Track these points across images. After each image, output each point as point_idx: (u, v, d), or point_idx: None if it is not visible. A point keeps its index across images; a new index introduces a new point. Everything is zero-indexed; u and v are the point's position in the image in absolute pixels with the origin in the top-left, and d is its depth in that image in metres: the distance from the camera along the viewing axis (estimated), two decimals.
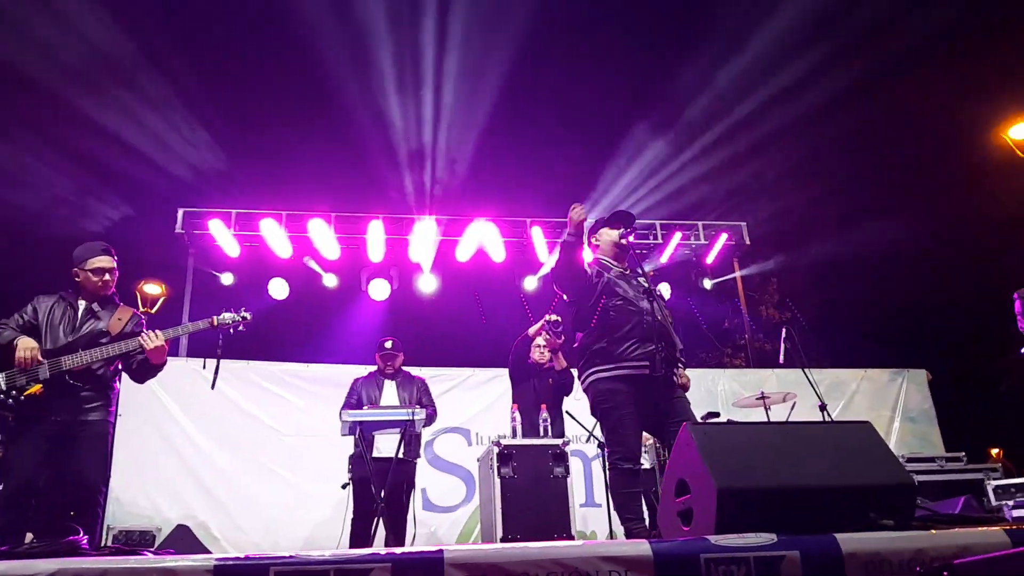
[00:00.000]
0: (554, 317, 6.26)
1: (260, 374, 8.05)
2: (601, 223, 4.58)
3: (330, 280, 9.57)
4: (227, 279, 9.25)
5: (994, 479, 7.22)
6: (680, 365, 4.20)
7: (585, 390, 4.23)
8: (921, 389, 9.61)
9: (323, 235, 9.23)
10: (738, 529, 2.38)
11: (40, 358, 3.84)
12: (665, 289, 10.44)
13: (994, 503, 6.92)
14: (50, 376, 3.85)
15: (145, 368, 4.14)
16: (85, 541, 2.24)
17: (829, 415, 6.83)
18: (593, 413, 4.21)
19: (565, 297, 4.41)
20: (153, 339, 4.01)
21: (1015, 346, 4.89)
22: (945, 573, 1.55)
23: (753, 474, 2.54)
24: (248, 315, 4.34)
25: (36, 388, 3.80)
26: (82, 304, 4.18)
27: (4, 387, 3.76)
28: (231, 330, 4.30)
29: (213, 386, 4.41)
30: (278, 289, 9.22)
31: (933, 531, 2.44)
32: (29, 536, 3.81)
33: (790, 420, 7.03)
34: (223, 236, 9.09)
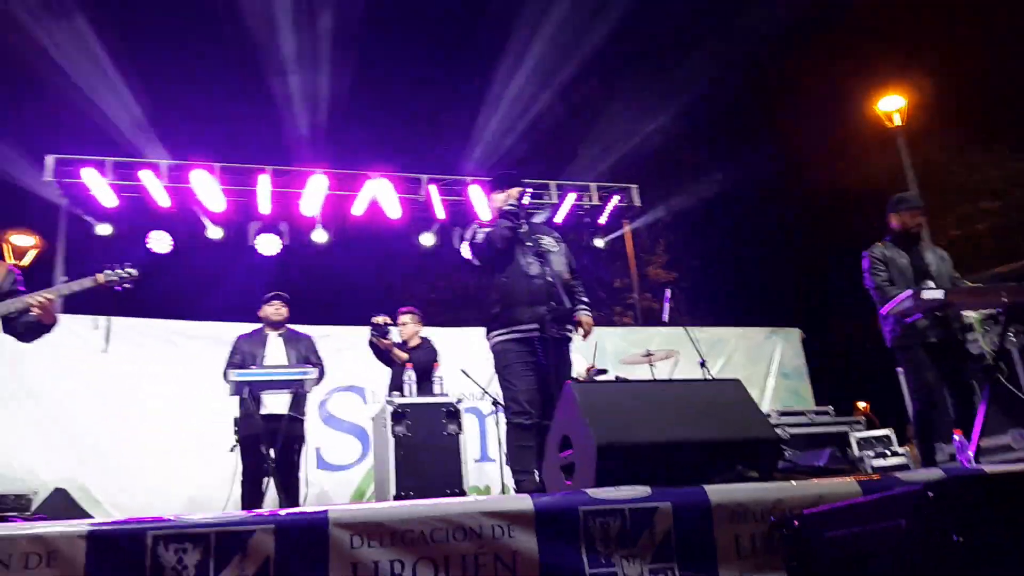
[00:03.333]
0: (380, 319, 6.34)
1: (142, 331, 7.68)
2: (492, 187, 4.68)
3: (215, 233, 9.16)
4: (104, 230, 8.72)
5: (857, 431, 7.83)
6: (584, 310, 4.44)
7: (491, 351, 4.43)
8: (794, 346, 10.23)
9: (207, 186, 8.82)
10: (617, 482, 2.50)
11: None
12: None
13: (857, 454, 7.52)
14: None
15: (35, 329, 3.88)
16: None
17: (709, 372, 7.21)
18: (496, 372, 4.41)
19: (478, 263, 4.55)
20: (42, 302, 3.73)
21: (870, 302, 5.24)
22: (796, 521, 1.68)
23: (631, 430, 2.66)
24: (135, 271, 4.07)
25: None
26: None
27: None
28: (118, 287, 4.05)
29: (107, 348, 4.17)
30: (159, 242, 8.76)
31: (793, 482, 2.64)
32: None
33: (669, 378, 7.38)
34: (98, 186, 8.55)
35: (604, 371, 7.29)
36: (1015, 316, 5.20)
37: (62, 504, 5.94)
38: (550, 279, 4.23)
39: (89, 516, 5.87)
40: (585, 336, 4.44)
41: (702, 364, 6.97)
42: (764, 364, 9.90)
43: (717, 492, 2.48)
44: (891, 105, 10.75)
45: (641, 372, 7.67)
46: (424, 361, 6.46)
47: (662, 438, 2.66)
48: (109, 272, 4.00)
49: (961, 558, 1.10)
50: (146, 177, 8.57)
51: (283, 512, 2.10)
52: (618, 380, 6.62)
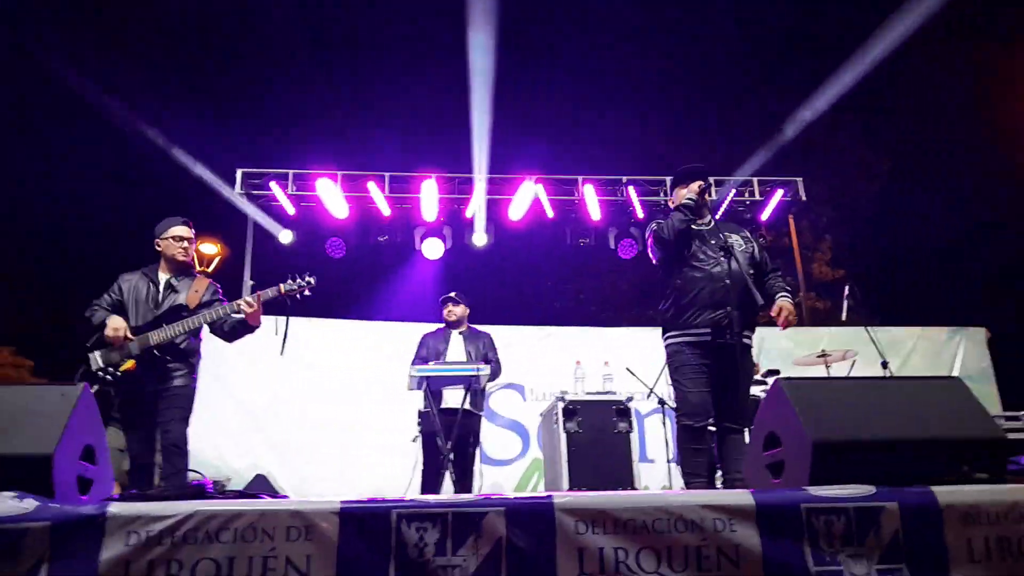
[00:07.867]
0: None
1: (323, 332, 8.27)
2: (674, 183, 4.61)
3: (381, 237, 9.63)
4: (286, 238, 9.40)
5: None
6: (784, 296, 4.25)
7: (665, 351, 4.38)
8: (979, 347, 9.45)
9: (377, 195, 9.32)
10: (831, 481, 2.43)
11: (130, 335, 4.19)
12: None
13: None
14: (140, 351, 4.19)
15: (240, 329, 4.47)
16: (210, 485, 2.37)
17: (891, 373, 6.80)
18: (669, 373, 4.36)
19: (655, 261, 4.54)
20: (250, 305, 4.32)
21: None
22: None
23: (846, 427, 2.57)
24: (312, 279, 4.57)
25: (130, 364, 4.15)
26: (162, 278, 4.49)
27: (102, 364, 4.13)
28: (298, 296, 4.53)
29: (282, 352, 4.63)
30: (336, 248, 9.35)
31: None
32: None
33: (875, 376, 7.01)
34: (281, 196, 9.24)
35: (776, 372, 7.03)
36: None
37: (264, 489, 6.46)
38: (733, 280, 4.10)
39: None
40: (784, 326, 4.21)
41: (884, 365, 6.59)
42: (946, 366, 9.21)
43: (946, 493, 2.35)
44: None
45: (816, 374, 7.34)
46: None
47: (881, 436, 2.55)
48: (291, 283, 4.51)
49: None
50: (324, 186, 9.15)
51: (512, 496, 2.19)
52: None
